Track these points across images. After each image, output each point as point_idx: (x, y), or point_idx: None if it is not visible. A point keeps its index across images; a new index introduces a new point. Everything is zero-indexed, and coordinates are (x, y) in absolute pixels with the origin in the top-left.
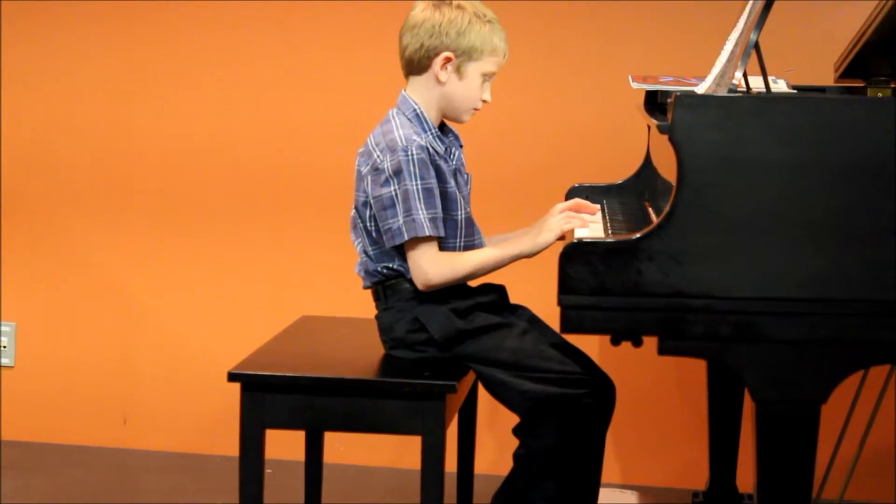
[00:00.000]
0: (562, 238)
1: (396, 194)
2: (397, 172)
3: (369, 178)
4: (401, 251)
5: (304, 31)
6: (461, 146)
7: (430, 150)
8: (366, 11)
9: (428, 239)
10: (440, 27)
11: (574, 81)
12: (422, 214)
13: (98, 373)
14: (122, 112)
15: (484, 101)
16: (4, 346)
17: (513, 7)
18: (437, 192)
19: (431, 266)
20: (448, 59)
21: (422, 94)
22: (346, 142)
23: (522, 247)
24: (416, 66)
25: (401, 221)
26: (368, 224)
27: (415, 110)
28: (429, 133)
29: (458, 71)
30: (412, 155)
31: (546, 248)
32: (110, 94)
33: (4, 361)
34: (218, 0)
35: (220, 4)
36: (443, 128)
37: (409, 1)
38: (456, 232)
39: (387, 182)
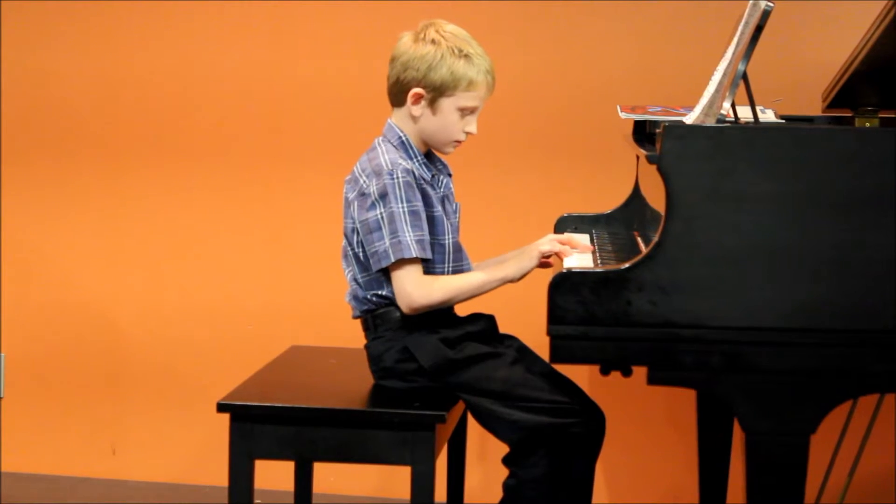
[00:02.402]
0: (548, 266)
1: (382, 217)
2: (383, 195)
3: (356, 203)
4: (389, 277)
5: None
6: (450, 175)
7: (417, 174)
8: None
9: (413, 261)
10: (412, 62)
11: (562, 110)
12: (408, 236)
13: (87, 403)
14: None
15: (469, 133)
16: None
17: (500, 34)
18: (423, 215)
19: (416, 288)
20: (419, 95)
21: (404, 124)
22: (336, 168)
23: (507, 271)
24: (394, 98)
25: (387, 244)
26: (357, 250)
27: (400, 138)
28: (415, 160)
29: (432, 106)
30: (397, 178)
31: (527, 272)
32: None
33: None
34: None
35: None
36: (430, 155)
37: None
38: (444, 257)
39: (373, 206)
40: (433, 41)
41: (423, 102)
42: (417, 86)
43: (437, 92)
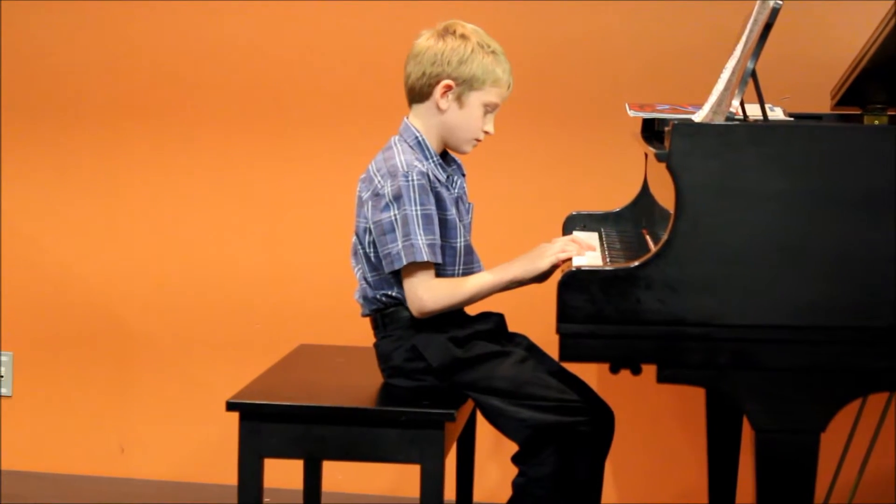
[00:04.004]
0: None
1: (396, 219)
2: (397, 197)
3: (370, 203)
4: (399, 278)
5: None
6: (464, 175)
7: (431, 176)
8: None
9: (425, 265)
10: (442, 55)
11: (571, 109)
12: (420, 240)
13: (95, 402)
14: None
15: (486, 133)
16: (1, 376)
17: (511, 41)
18: (436, 219)
19: (427, 292)
20: (448, 87)
21: (424, 122)
22: (346, 165)
23: (517, 271)
24: (417, 93)
25: (399, 246)
26: (368, 250)
27: (416, 138)
28: (430, 160)
29: (459, 99)
30: (412, 180)
31: (539, 273)
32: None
33: (2, 391)
34: None
35: None
36: (445, 156)
37: None
38: (455, 259)
39: (387, 207)
40: (462, 36)
41: (450, 96)
42: (448, 78)
43: (466, 85)
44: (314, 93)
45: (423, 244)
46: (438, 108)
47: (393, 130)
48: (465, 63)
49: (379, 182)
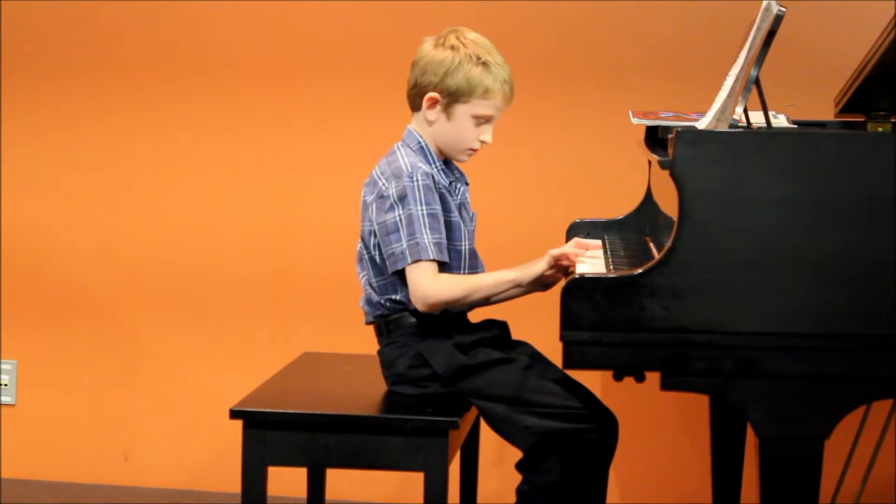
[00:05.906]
0: (566, 274)
1: (400, 219)
2: (402, 198)
3: (374, 205)
4: (404, 281)
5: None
6: (467, 184)
7: (435, 179)
8: None
9: (430, 262)
10: (430, 66)
11: (574, 116)
12: (426, 238)
13: (99, 410)
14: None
15: (483, 142)
16: (6, 385)
17: (515, 49)
18: (441, 219)
19: (431, 284)
20: (434, 100)
21: (423, 130)
22: (352, 172)
23: (517, 273)
24: (412, 103)
25: (404, 245)
26: (373, 253)
27: (419, 143)
28: (433, 166)
29: (447, 111)
30: (417, 181)
31: (535, 277)
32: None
33: (6, 399)
34: None
35: None
36: (448, 163)
37: None
38: (460, 263)
39: (391, 208)
40: (452, 47)
41: (438, 107)
42: (434, 90)
43: (452, 97)
44: (323, 95)
45: (428, 242)
46: (426, 119)
47: (400, 135)
48: (450, 75)
49: (383, 185)
